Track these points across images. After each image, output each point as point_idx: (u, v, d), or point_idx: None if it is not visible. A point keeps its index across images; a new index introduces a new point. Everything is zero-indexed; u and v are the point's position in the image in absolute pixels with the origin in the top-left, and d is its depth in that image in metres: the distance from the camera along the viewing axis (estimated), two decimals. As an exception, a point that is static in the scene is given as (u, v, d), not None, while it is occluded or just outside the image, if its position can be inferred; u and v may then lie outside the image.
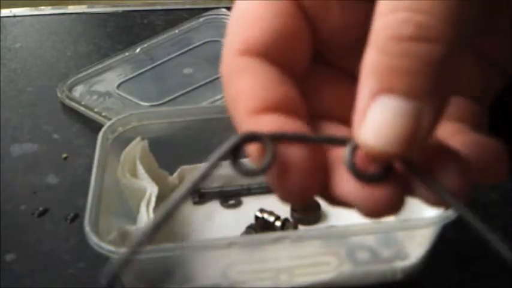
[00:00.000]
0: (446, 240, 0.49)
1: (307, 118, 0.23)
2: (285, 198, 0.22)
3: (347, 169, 0.21)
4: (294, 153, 0.21)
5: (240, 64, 0.23)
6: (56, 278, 0.52)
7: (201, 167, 0.21)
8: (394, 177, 0.21)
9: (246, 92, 0.22)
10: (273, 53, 0.23)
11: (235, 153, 0.21)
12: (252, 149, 0.21)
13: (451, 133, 0.23)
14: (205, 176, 0.21)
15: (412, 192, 0.21)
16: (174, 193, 0.22)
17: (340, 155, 0.22)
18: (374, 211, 0.21)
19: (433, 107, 0.19)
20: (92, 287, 0.51)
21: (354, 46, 0.23)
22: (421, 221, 0.48)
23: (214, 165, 0.21)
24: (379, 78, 0.20)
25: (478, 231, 0.20)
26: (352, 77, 0.24)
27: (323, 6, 0.24)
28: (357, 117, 0.20)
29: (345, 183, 0.21)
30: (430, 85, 0.19)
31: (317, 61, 0.25)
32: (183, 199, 0.21)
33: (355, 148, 0.21)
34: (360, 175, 0.21)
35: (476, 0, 0.20)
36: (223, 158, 0.21)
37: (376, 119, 0.20)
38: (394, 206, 0.21)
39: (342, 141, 0.21)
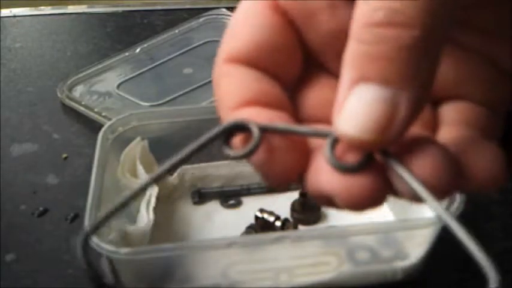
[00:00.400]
0: (446, 240, 0.48)
1: (294, 116, 0.24)
2: (266, 180, 0.23)
3: (326, 160, 0.21)
4: (276, 140, 0.22)
5: (224, 70, 0.24)
6: (56, 278, 0.52)
7: (188, 146, 0.22)
8: (373, 169, 0.21)
9: (228, 92, 0.23)
10: (258, 63, 0.24)
11: (224, 139, 0.22)
12: (237, 136, 0.22)
13: (452, 137, 0.23)
14: (190, 155, 0.22)
15: (393, 189, 0.21)
16: (159, 167, 0.24)
17: (322, 146, 0.22)
18: (351, 202, 0.21)
19: (410, 94, 0.19)
20: (92, 287, 0.51)
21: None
22: (421, 221, 0.48)
23: (200, 148, 0.22)
24: (356, 67, 0.20)
25: (451, 229, 0.20)
26: None
27: (309, 16, 0.24)
28: (336, 108, 0.20)
29: (323, 172, 0.21)
30: (405, 71, 0.19)
31: (313, 67, 0.25)
32: (164, 174, 0.23)
33: (336, 140, 0.21)
34: (339, 166, 0.21)
35: None
36: (209, 142, 0.22)
37: (353, 107, 0.20)
38: (372, 198, 0.21)
39: (324, 134, 0.22)
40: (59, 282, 0.52)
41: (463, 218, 0.46)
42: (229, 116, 0.23)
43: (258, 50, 0.24)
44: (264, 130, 0.22)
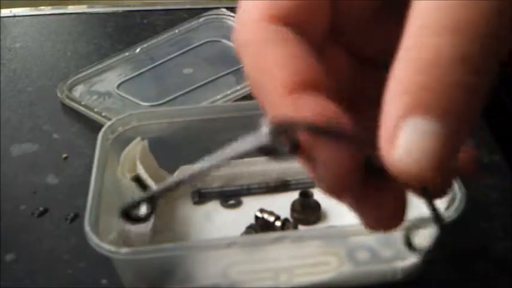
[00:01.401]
0: (446, 240, 0.49)
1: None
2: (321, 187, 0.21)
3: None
4: (331, 154, 0.20)
5: (270, 32, 0.21)
6: (56, 278, 0.52)
7: (229, 148, 0.20)
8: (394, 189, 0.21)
9: (281, 65, 0.20)
10: (296, 21, 0.21)
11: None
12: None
13: None
14: (231, 158, 0.20)
15: None
16: (204, 160, 0.22)
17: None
18: (376, 223, 0.21)
19: (466, 128, 0.18)
20: (92, 287, 0.51)
21: (368, 23, 0.23)
22: (421, 221, 0.48)
23: (242, 155, 0.20)
24: (410, 97, 0.18)
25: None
26: (353, 54, 0.24)
27: None
28: (385, 137, 0.19)
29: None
30: (465, 107, 0.18)
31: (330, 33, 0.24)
32: (214, 167, 0.22)
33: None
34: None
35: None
36: (251, 152, 0.20)
37: (409, 141, 0.18)
38: (396, 219, 0.21)
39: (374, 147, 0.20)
40: (59, 282, 0.52)
41: (463, 218, 0.46)
42: (283, 102, 0.20)
43: (298, 7, 0.21)
44: (314, 131, 0.19)
